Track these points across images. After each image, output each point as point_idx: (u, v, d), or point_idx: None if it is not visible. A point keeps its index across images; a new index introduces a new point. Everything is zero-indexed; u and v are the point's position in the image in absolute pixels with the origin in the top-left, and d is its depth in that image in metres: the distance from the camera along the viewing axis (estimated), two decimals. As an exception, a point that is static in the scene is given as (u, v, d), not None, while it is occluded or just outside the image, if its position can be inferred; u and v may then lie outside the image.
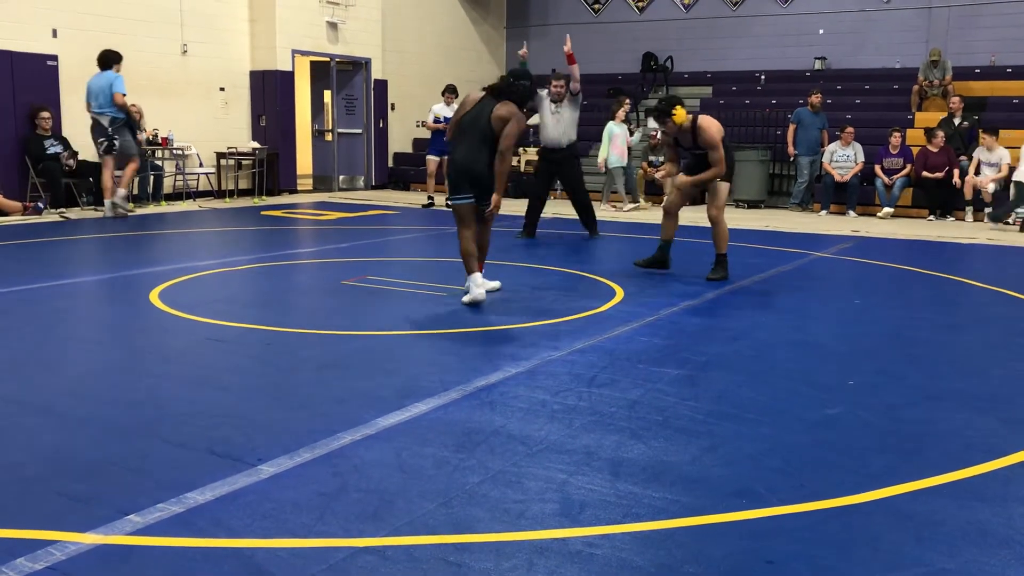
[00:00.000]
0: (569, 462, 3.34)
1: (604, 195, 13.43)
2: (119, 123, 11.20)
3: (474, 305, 6.08)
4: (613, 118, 13.07)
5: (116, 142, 11.14)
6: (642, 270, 7.63)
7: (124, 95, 11.11)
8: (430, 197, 13.54)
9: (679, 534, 2.79)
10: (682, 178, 7.65)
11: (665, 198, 8.00)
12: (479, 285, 6.11)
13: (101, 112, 11.10)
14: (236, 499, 2.96)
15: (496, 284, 6.61)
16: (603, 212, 12.27)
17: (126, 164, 11.37)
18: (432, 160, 13.10)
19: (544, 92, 9.91)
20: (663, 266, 7.64)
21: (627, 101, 13.44)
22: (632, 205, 13.24)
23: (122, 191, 11.31)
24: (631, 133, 13.40)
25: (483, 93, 6.37)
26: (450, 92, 12.96)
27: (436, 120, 12.79)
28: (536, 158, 15.54)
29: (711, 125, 7.19)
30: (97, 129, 11.20)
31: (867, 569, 2.59)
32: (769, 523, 2.88)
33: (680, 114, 7.17)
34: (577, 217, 10.18)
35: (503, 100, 6.22)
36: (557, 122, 9.68)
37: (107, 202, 11.18)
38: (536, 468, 3.28)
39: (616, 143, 12.90)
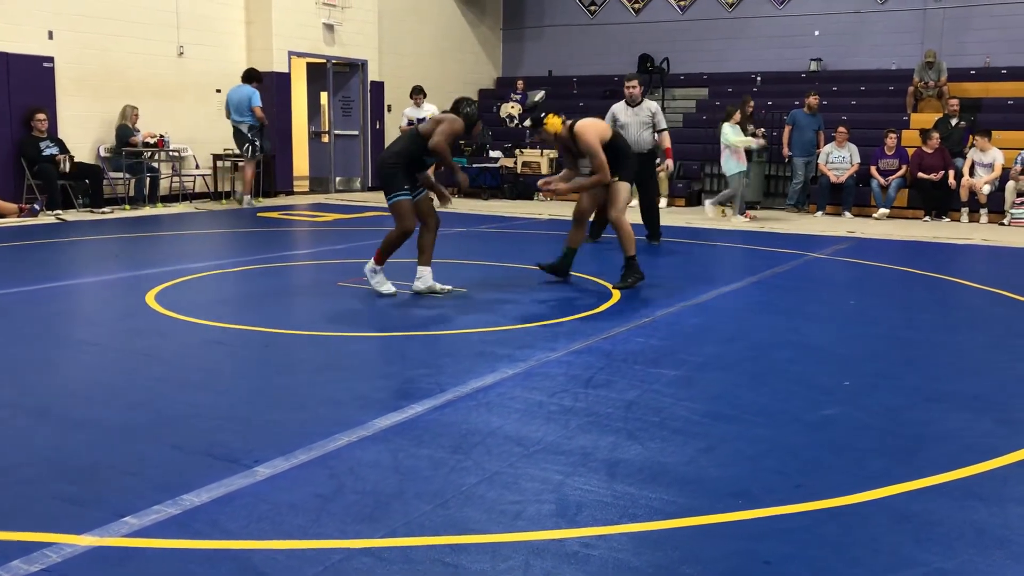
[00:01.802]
0: (566, 463, 3.33)
1: (737, 205, 12.18)
2: (255, 130, 12.93)
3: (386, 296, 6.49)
4: (728, 120, 11.73)
5: (259, 145, 12.96)
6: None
7: (260, 107, 12.83)
8: None
9: (676, 535, 2.79)
10: (561, 185, 7.00)
11: (575, 205, 7.28)
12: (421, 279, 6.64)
13: (241, 121, 12.85)
14: (232, 501, 2.95)
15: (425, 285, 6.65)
16: (732, 222, 11.87)
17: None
18: None
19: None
20: (563, 274, 7.11)
21: (751, 103, 12.62)
22: (739, 215, 12.16)
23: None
24: (755, 137, 12.32)
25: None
26: (418, 93, 13.27)
27: (409, 123, 12.85)
28: (533, 160, 15.85)
29: (586, 130, 6.69)
30: (239, 135, 12.98)
31: (865, 569, 2.58)
32: (766, 524, 2.88)
33: (552, 122, 6.73)
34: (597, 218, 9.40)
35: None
36: (633, 124, 9.28)
37: (246, 197, 13.10)
38: (532, 469, 3.27)
39: (735, 148, 11.62)
